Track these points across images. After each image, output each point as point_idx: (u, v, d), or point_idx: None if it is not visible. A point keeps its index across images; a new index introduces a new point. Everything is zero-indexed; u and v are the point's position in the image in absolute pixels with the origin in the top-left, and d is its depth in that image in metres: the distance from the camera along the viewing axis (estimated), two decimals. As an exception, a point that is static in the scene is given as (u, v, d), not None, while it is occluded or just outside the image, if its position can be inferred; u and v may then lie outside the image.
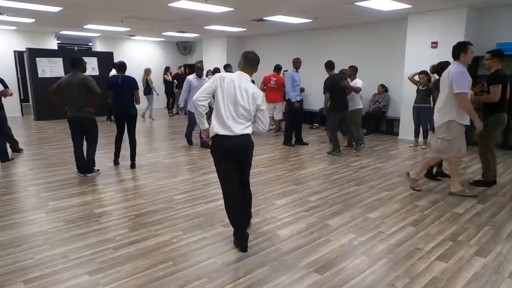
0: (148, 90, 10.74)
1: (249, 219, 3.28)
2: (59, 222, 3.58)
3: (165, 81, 12.20)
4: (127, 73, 5.64)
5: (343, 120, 6.50)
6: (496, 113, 4.59)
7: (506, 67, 6.86)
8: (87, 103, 5.01)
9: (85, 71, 5.20)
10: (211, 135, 2.95)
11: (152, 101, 10.80)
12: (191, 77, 6.97)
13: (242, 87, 2.90)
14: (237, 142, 2.88)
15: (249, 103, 2.90)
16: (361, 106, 6.91)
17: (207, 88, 2.90)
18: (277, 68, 8.45)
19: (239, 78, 2.94)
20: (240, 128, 2.89)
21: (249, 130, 2.96)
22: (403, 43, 8.04)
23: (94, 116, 5.14)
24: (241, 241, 3.04)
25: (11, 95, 5.99)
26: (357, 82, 6.73)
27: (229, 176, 2.99)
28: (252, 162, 3.12)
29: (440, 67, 4.96)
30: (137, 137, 5.68)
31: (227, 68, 9.19)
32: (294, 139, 7.42)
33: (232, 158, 2.93)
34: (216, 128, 2.88)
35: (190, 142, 7.35)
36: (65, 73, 9.41)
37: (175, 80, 12.33)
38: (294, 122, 7.39)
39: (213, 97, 2.93)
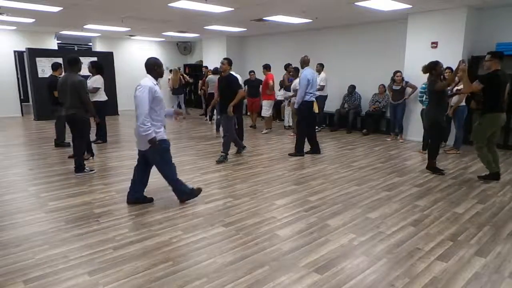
0: (180, 89, 11.23)
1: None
2: (59, 222, 3.58)
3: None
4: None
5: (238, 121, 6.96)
6: (490, 113, 4.75)
7: (506, 67, 6.93)
8: (77, 104, 5.04)
9: (79, 71, 5.26)
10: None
11: (181, 100, 11.50)
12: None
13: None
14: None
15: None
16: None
17: None
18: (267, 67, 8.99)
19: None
20: None
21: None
22: (403, 43, 8.04)
23: (81, 115, 5.10)
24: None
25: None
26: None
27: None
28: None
29: (430, 67, 5.15)
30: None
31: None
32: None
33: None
34: None
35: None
36: (65, 73, 9.49)
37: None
38: (304, 129, 6.56)
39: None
